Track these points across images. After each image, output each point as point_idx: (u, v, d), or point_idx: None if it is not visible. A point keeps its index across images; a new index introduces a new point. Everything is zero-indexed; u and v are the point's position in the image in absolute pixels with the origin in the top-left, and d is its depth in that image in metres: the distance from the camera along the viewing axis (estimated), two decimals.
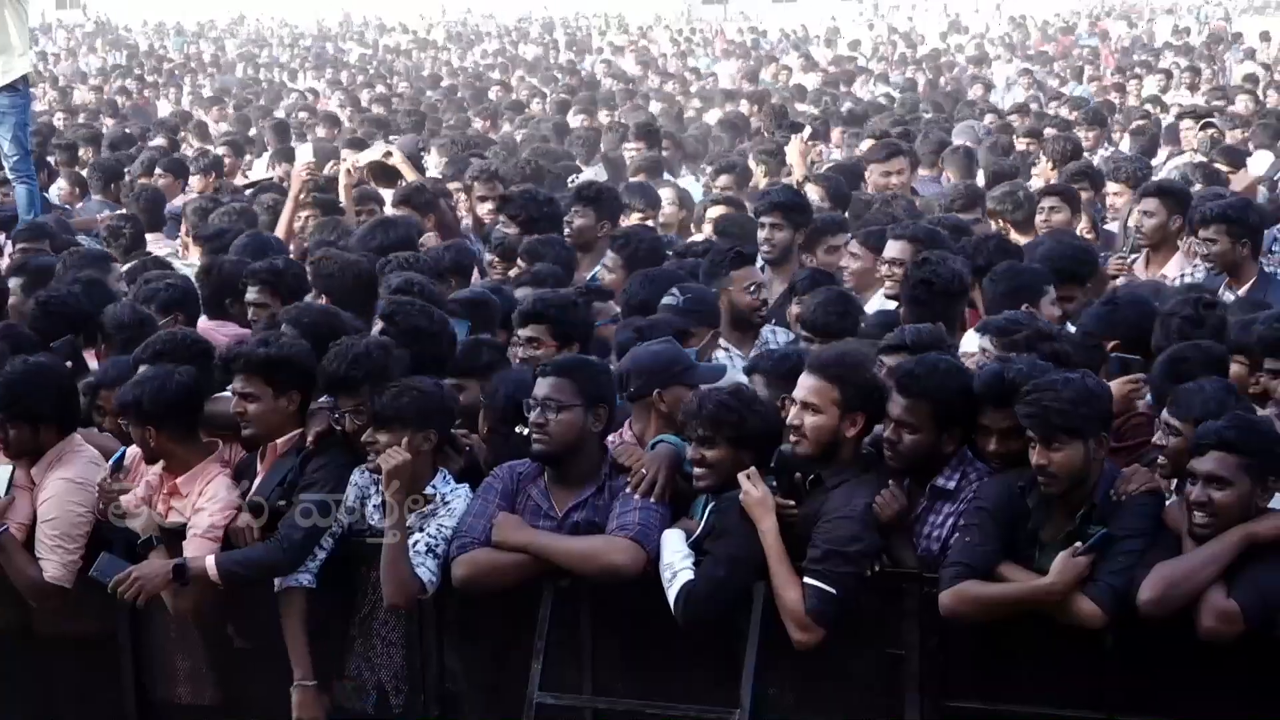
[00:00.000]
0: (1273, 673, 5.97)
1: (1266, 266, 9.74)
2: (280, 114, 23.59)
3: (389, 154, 12.86)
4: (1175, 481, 6.38)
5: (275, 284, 8.86)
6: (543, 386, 6.76)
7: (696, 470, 6.58)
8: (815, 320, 8.27)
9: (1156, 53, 35.52)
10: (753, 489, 6.43)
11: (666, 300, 8.29)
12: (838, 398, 6.49)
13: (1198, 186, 11.86)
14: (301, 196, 11.61)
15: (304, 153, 15.22)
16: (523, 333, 7.88)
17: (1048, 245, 9.35)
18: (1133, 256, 10.34)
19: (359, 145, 15.65)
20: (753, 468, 6.48)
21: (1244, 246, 9.33)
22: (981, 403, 6.46)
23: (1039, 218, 11.13)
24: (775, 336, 8.80)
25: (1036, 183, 13.41)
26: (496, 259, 10.51)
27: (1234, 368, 6.98)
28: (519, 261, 9.98)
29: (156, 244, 12.12)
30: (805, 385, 6.54)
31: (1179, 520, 6.12)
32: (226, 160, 16.26)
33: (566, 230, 10.68)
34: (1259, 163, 16.10)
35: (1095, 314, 7.85)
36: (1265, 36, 37.97)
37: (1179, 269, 10.03)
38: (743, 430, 6.53)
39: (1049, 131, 16.07)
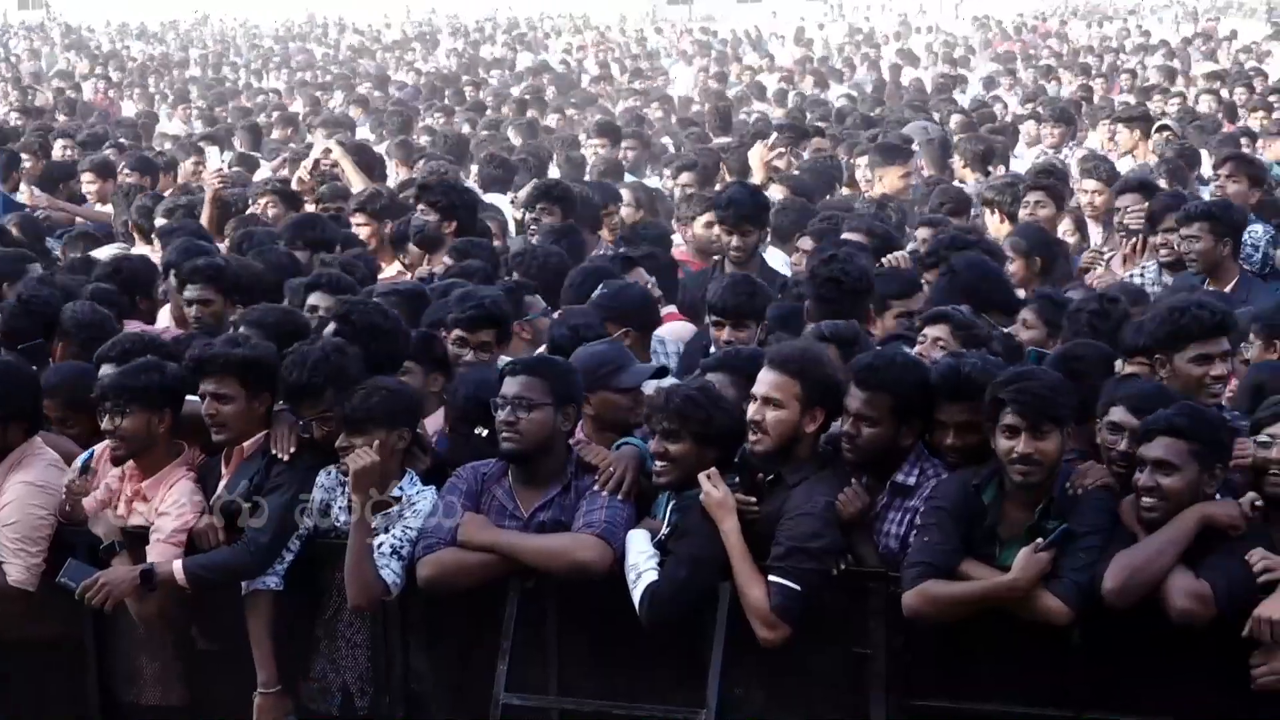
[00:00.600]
0: (1237, 664, 5.98)
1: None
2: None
3: (328, 151, 12.73)
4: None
5: (218, 280, 8.86)
6: (513, 385, 6.75)
7: (658, 464, 6.58)
8: (723, 303, 8.24)
9: (1150, 49, 35.67)
10: (713, 489, 6.44)
11: (593, 296, 8.39)
12: (799, 392, 6.49)
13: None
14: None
15: (212, 156, 15.09)
16: (475, 336, 7.84)
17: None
18: (1110, 253, 10.41)
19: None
20: (713, 468, 6.48)
21: (1225, 246, 9.38)
22: (938, 397, 6.48)
23: (1023, 211, 11.21)
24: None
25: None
26: (417, 246, 10.58)
27: (1137, 369, 6.95)
28: (444, 258, 10.03)
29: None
30: (766, 381, 6.53)
31: (1134, 520, 6.15)
32: (192, 160, 16.22)
33: (533, 228, 10.78)
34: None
35: (936, 285, 8.02)
36: (1233, 35, 38.27)
37: (1157, 264, 10.10)
38: (709, 427, 6.54)
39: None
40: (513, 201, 13.03)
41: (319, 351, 7.09)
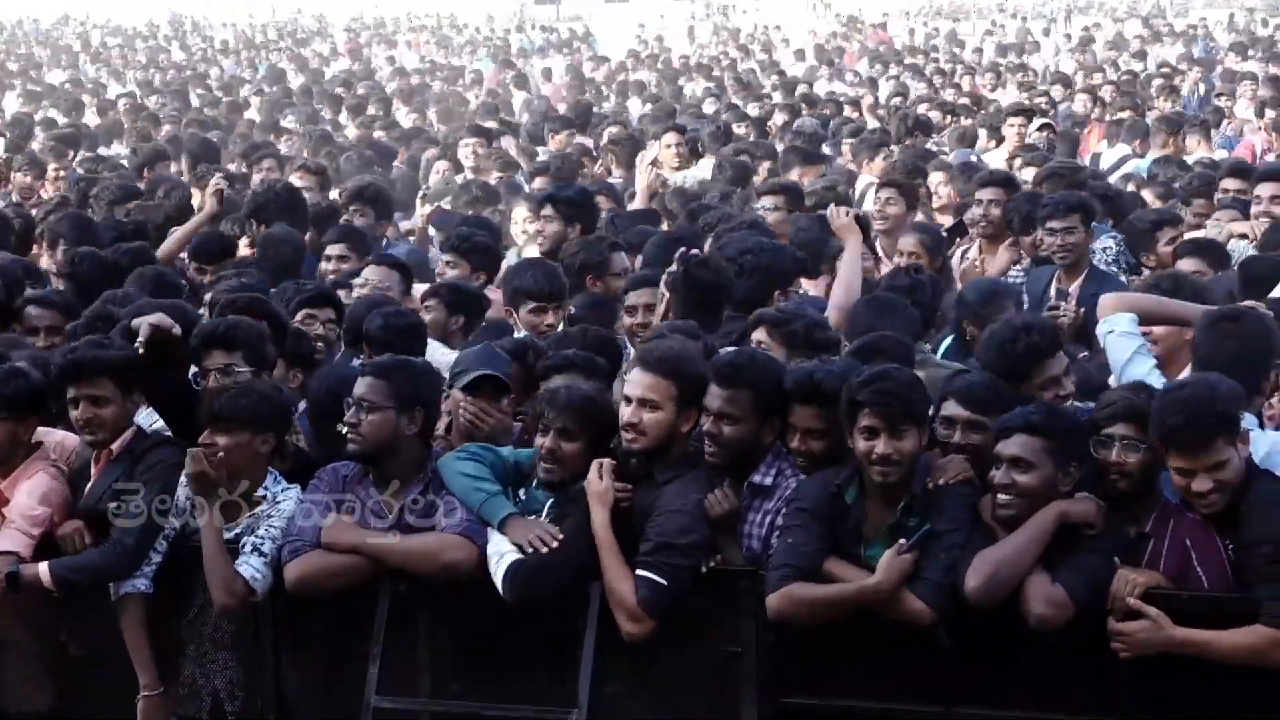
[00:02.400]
0: (1101, 654, 6.07)
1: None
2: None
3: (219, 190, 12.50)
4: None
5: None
6: (360, 386, 6.77)
7: (547, 463, 6.57)
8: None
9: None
10: (598, 480, 6.45)
11: None
12: (675, 394, 6.51)
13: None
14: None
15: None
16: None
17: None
18: (966, 247, 10.53)
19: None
20: (607, 459, 6.49)
21: (1091, 239, 9.57)
22: (790, 399, 6.50)
23: (874, 208, 11.30)
24: None
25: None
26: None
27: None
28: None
29: None
30: (642, 382, 6.54)
31: (992, 516, 6.22)
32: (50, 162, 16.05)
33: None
34: (1109, 159, 16.44)
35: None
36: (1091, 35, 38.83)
37: (1009, 260, 10.20)
38: (603, 429, 6.56)
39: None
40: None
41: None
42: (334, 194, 13.03)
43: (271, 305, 8.08)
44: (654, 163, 13.40)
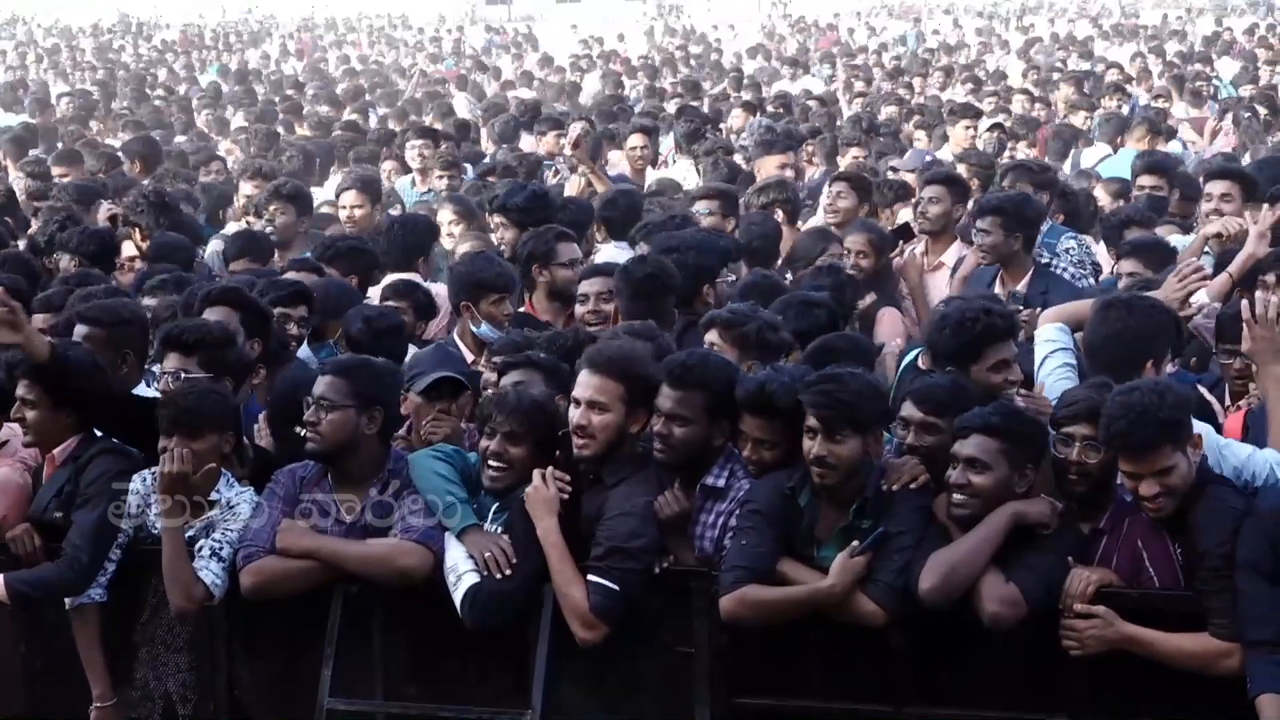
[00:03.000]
0: (1054, 653, 6.11)
1: (1060, 272, 9.92)
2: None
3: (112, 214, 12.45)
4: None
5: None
6: (319, 385, 6.75)
7: (494, 466, 6.56)
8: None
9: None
10: (544, 487, 6.44)
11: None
12: (624, 395, 6.51)
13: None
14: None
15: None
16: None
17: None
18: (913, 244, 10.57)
19: None
20: (551, 467, 6.49)
21: (1016, 240, 9.44)
22: (739, 408, 6.50)
23: (825, 201, 11.33)
24: None
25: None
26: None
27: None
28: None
29: None
30: (590, 384, 6.53)
31: (947, 515, 6.25)
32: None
33: (270, 228, 11.00)
34: (1089, 158, 16.51)
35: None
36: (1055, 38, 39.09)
37: (955, 257, 10.24)
38: (550, 433, 6.57)
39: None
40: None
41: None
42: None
43: (250, 296, 8.03)
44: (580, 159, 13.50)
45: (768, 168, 13.43)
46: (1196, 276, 7.25)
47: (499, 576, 6.39)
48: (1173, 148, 16.33)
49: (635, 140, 14.97)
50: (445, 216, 11.50)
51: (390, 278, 9.76)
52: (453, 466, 6.69)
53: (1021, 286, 9.33)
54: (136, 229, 11.02)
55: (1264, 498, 6.04)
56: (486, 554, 6.42)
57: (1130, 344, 6.77)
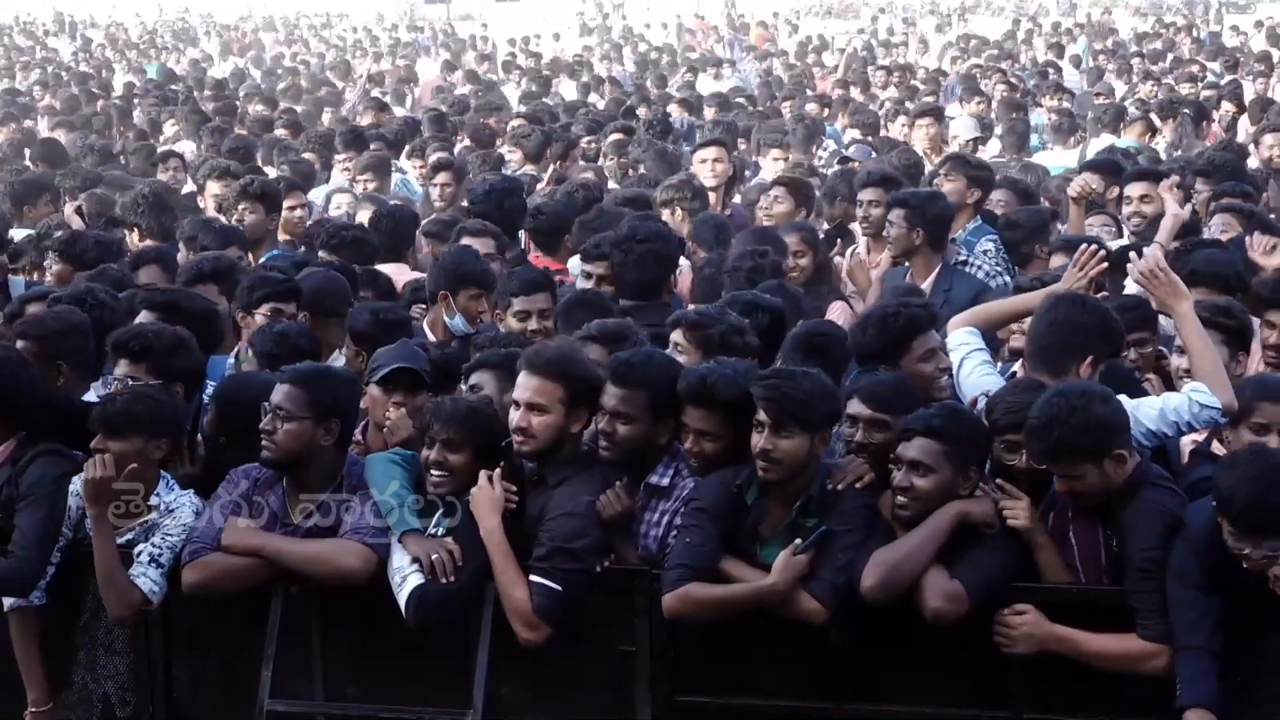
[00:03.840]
0: (993, 654, 6.15)
1: (975, 271, 10.01)
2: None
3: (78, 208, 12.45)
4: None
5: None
6: (277, 394, 6.71)
7: (437, 474, 6.57)
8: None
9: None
10: (488, 488, 6.45)
11: None
12: (564, 396, 6.51)
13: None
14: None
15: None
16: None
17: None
18: (852, 245, 10.61)
19: None
20: (497, 470, 6.49)
21: (918, 235, 9.57)
22: (682, 401, 6.51)
23: (762, 204, 11.36)
24: None
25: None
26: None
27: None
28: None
29: None
30: (529, 386, 6.52)
31: (891, 515, 6.28)
32: None
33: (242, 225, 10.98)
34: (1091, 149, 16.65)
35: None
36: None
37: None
38: (490, 439, 6.55)
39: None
40: None
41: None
42: None
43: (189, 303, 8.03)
44: None
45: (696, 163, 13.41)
46: (1095, 261, 7.32)
47: (444, 581, 6.39)
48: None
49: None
50: (362, 217, 11.64)
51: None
52: (407, 471, 6.68)
53: (927, 284, 9.43)
54: (136, 229, 11.04)
55: (1194, 512, 6.05)
56: (434, 556, 6.41)
57: (1068, 337, 6.82)
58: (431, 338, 8.51)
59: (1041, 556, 6.20)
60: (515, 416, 6.53)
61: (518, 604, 6.37)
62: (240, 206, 11.02)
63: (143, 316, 7.86)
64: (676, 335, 7.33)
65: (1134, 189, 10.71)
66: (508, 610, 6.40)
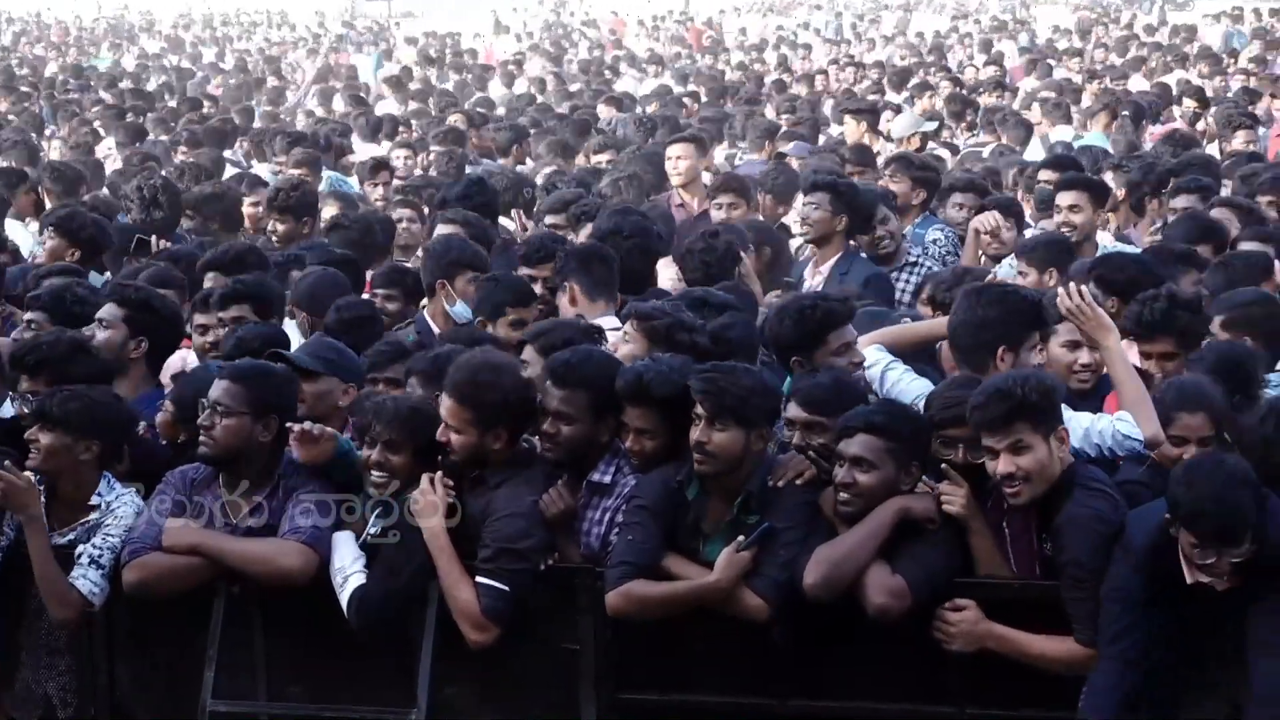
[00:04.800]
0: (935, 649, 6.17)
1: (924, 261, 10.09)
2: None
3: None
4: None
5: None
6: (215, 389, 6.70)
7: (377, 475, 6.55)
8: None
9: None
10: (430, 490, 6.44)
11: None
12: (472, 418, 6.50)
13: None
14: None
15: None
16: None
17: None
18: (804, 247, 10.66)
19: None
20: (439, 472, 6.48)
21: (841, 221, 9.70)
22: (620, 399, 6.51)
23: (716, 213, 11.39)
24: None
25: None
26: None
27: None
28: None
29: None
30: (444, 407, 6.54)
31: (833, 511, 6.28)
32: None
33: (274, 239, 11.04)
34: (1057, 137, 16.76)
35: None
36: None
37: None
38: (430, 439, 6.54)
39: None
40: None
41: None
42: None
43: (138, 293, 8.06)
44: None
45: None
46: (987, 238, 7.36)
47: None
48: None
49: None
50: (328, 212, 11.64)
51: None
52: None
53: (825, 267, 9.56)
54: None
55: (1136, 521, 6.02)
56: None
57: (977, 332, 6.91)
58: (435, 327, 8.51)
59: (976, 543, 6.22)
60: (439, 431, 6.53)
61: (465, 605, 6.37)
62: (272, 218, 11.14)
63: (35, 315, 8.00)
64: (628, 325, 7.34)
65: (1063, 198, 10.27)
66: (455, 612, 6.39)
